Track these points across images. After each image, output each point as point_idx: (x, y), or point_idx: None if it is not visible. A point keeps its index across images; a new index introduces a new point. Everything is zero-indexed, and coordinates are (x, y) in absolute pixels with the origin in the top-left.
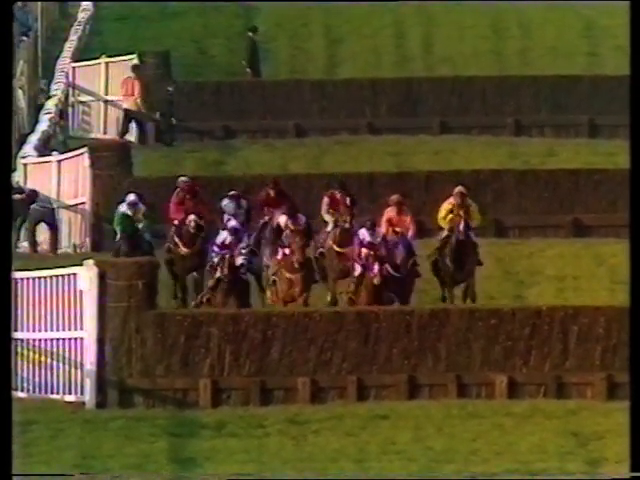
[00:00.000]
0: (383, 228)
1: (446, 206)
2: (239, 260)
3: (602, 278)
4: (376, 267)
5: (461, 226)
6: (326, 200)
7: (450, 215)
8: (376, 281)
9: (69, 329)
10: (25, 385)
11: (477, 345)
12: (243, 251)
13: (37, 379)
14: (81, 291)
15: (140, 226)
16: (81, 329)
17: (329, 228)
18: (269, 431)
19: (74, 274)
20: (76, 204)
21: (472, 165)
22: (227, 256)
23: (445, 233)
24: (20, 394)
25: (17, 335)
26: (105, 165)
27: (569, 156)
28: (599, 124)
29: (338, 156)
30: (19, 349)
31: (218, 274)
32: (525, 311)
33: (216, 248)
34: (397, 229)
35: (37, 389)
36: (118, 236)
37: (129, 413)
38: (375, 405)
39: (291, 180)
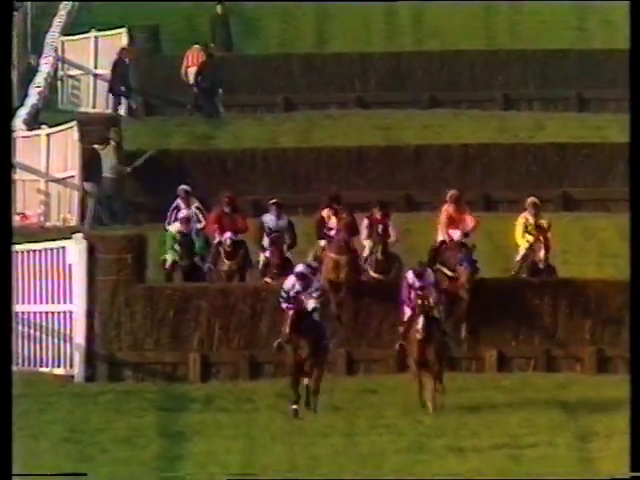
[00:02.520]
0: (443, 226)
1: (520, 221)
2: (311, 303)
3: (591, 252)
4: (421, 321)
5: (541, 254)
6: (365, 222)
7: (527, 236)
8: (419, 336)
9: (58, 302)
10: (14, 358)
11: (468, 317)
12: (314, 295)
13: (26, 352)
14: (70, 264)
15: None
16: (70, 302)
17: (365, 253)
18: (258, 405)
19: (63, 247)
20: (65, 177)
21: (461, 139)
22: (291, 313)
23: (522, 254)
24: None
25: None
26: (94, 139)
27: (558, 130)
28: (587, 98)
29: (327, 130)
30: None
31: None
32: (514, 285)
33: (284, 294)
34: (461, 240)
35: (26, 362)
36: (169, 262)
37: (118, 387)
38: (364, 379)
39: (280, 154)
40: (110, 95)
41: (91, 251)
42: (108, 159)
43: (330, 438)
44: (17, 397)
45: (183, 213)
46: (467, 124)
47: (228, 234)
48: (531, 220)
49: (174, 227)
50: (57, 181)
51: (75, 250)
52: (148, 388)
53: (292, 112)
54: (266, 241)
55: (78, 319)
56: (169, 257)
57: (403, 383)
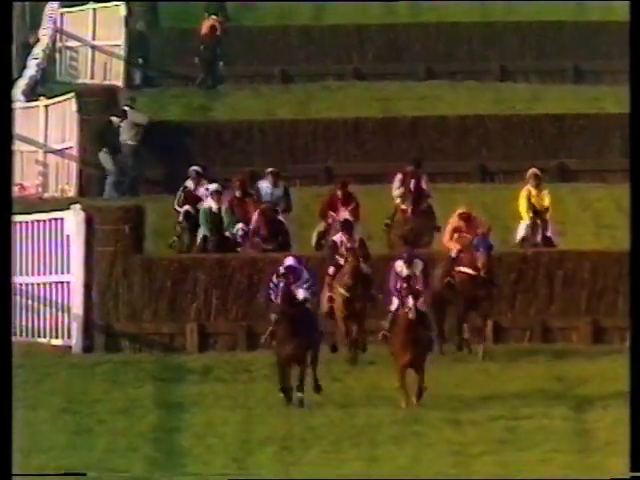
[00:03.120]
0: (447, 237)
1: (523, 194)
2: (301, 294)
3: (587, 223)
4: (410, 300)
5: (538, 237)
6: (399, 176)
7: (529, 211)
8: (411, 316)
9: (56, 273)
10: (12, 329)
11: None
12: (305, 286)
13: (24, 323)
14: (68, 235)
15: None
16: (68, 273)
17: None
18: (255, 376)
19: (61, 218)
20: (63, 149)
21: (457, 111)
22: (282, 285)
23: (524, 227)
24: None
25: None
26: (92, 110)
27: (554, 101)
28: (584, 70)
29: (324, 102)
30: None
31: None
32: (511, 256)
33: (272, 285)
34: (479, 231)
35: (24, 333)
36: (201, 234)
37: (116, 357)
38: (361, 351)
39: (277, 125)
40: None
41: (89, 222)
42: (128, 126)
43: (326, 409)
44: (15, 368)
45: (200, 191)
46: (463, 96)
47: (240, 225)
48: (534, 192)
49: (207, 203)
50: (55, 152)
51: (73, 221)
52: (146, 359)
53: (289, 84)
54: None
55: (76, 290)
56: (201, 232)
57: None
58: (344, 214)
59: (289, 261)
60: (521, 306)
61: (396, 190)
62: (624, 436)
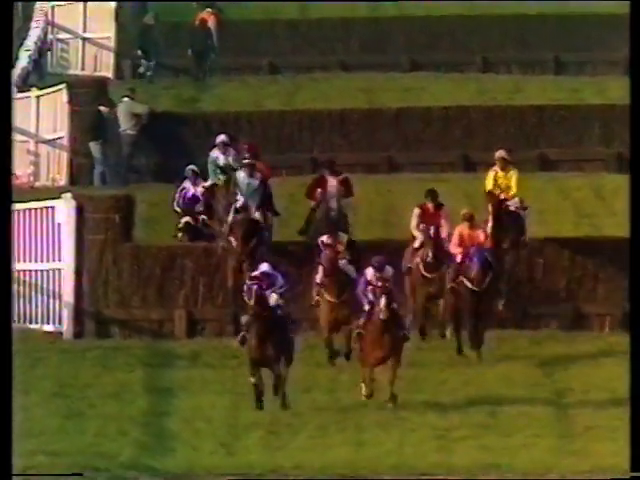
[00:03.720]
0: (455, 244)
1: (491, 174)
2: (273, 299)
3: (567, 211)
4: (383, 301)
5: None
6: (417, 212)
7: (495, 189)
8: (382, 316)
9: (47, 261)
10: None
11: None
12: (279, 291)
13: (16, 309)
14: (59, 223)
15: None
16: (59, 261)
17: (416, 244)
18: (242, 362)
19: (52, 207)
20: (54, 139)
21: (441, 102)
22: (255, 287)
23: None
24: None
25: None
26: (83, 101)
27: (535, 92)
28: (564, 61)
29: (311, 93)
30: None
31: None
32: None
33: (248, 281)
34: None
35: (16, 319)
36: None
37: (106, 343)
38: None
39: (264, 116)
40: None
41: (80, 211)
42: (127, 116)
43: (312, 393)
44: None
45: (190, 193)
46: (447, 87)
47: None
48: (500, 173)
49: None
50: (46, 142)
51: (64, 209)
52: (135, 344)
53: (276, 75)
54: (240, 200)
55: (67, 277)
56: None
57: None
58: (334, 186)
59: (264, 267)
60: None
61: (414, 229)
62: (604, 421)
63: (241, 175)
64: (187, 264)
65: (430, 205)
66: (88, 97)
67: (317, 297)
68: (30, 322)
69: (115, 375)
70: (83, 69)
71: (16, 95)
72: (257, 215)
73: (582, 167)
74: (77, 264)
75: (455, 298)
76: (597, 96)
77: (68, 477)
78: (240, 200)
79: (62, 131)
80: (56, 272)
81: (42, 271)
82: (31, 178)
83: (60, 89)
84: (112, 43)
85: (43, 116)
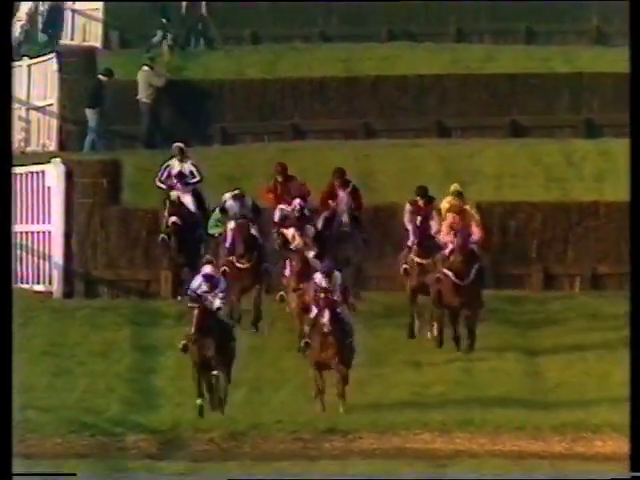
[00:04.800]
0: (445, 232)
1: (445, 205)
2: (217, 303)
3: (538, 176)
4: (327, 314)
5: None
6: (408, 207)
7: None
8: (326, 329)
9: (38, 223)
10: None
11: None
12: (220, 295)
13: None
14: (49, 187)
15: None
16: (49, 223)
17: (410, 241)
18: None
19: (42, 171)
20: (45, 105)
21: (416, 70)
22: (196, 312)
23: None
24: None
25: None
26: (72, 69)
27: (507, 61)
28: (535, 31)
29: (291, 62)
30: None
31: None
32: None
33: (191, 293)
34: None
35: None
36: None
37: (94, 303)
38: None
39: (247, 84)
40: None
41: (69, 175)
42: (144, 85)
43: (295, 352)
44: None
45: (176, 169)
46: (422, 56)
47: (297, 201)
48: (455, 202)
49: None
50: (37, 109)
51: (54, 174)
52: (122, 304)
53: (258, 45)
54: (231, 224)
55: (56, 239)
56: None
57: (366, 298)
58: (344, 198)
59: (206, 269)
60: None
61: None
62: (574, 378)
63: (229, 204)
64: None
65: (421, 201)
66: (77, 66)
67: (282, 292)
68: (21, 282)
69: (103, 334)
70: (72, 39)
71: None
72: (254, 231)
73: (552, 133)
74: (66, 226)
75: (439, 289)
76: (566, 65)
77: (68, 477)
78: (232, 224)
79: (52, 98)
80: (46, 234)
81: (33, 233)
82: (22, 144)
83: (50, 58)
84: (100, 14)
85: (34, 84)
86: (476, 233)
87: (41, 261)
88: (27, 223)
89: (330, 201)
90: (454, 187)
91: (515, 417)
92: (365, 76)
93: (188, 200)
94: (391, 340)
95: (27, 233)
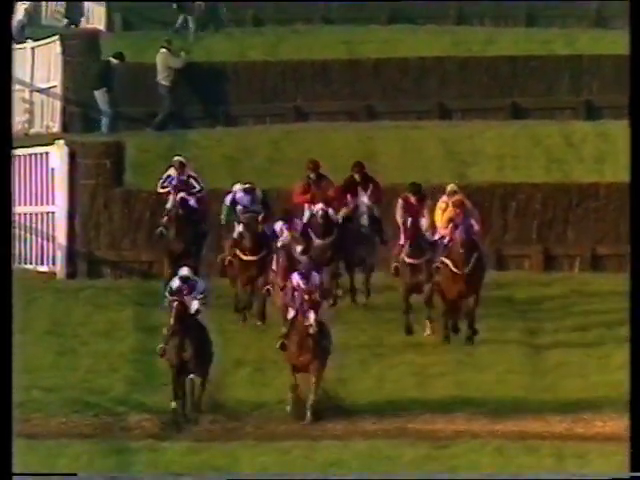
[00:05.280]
0: (442, 227)
1: (441, 205)
2: (194, 305)
3: (538, 157)
4: (312, 315)
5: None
6: (400, 203)
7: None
8: (312, 330)
9: (41, 204)
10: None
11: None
12: (198, 297)
13: (12, 251)
14: (53, 169)
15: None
16: (53, 204)
17: (401, 241)
18: (229, 302)
19: (46, 153)
20: (48, 87)
21: (417, 52)
22: (175, 304)
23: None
24: None
25: None
26: (75, 52)
27: (508, 44)
28: (536, 14)
29: (294, 44)
30: None
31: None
32: (467, 188)
33: (167, 294)
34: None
35: (12, 260)
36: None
37: (98, 283)
38: None
39: (249, 66)
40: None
41: (72, 156)
42: (162, 67)
43: None
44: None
45: (176, 180)
46: (423, 39)
47: (320, 205)
48: (453, 199)
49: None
50: (41, 91)
51: (57, 155)
52: (126, 284)
53: (260, 27)
54: (240, 217)
55: (60, 220)
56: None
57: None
58: (364, 201)
59: (184, 271)
60: None
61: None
62: (575, 358)
63: (239, 195)
64: None
65: (413, 198)
66: (80, 48)
67: (269, 285)
68: (25, 263)
69: (106, 314)
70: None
71: (13, 47)
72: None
73: (553, 115)
74: (70, 208)
75: (438, 281)
76: (566, 47)
77: (69, 477)
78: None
79: (55, 80)
80: (50, 215)
81: (37, 214)
82: (26, 125)
83: (54, 41)
84: None
85: (38, 66)
86: (476, 226)
87: (45, 242)
88: (31, 204)
89: (349, 196)
90: (451, 187)
91: (516, 397)
92: (367, 58)
93: (191, 201)
94: (392, 322)
95: (31, 214)
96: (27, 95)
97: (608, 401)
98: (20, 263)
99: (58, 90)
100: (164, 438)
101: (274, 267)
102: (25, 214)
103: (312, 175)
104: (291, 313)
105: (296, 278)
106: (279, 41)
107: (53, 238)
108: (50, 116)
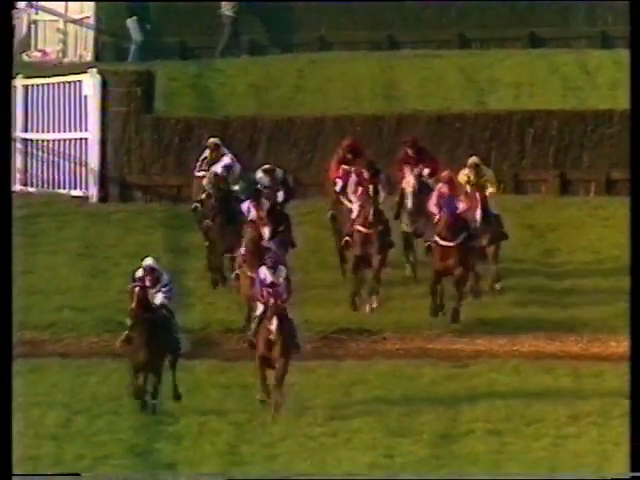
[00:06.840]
0: (433, 203)
1: (462, 178)
2: (159, 298)
3: (555, 85)
4: (275, 322)
5: (477, 214)
6: (354, 179)
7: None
8: (272, 337)
9: (75, 130)
10: (35, 181)
11: (443, 148)
12: (164, 289)
13: (45, 176)
14: (85, 96)
15: (236, 188)
16: (85, 131)
17: (354, 212)
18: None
19: (79, 81)
20: (82, 18)
21: None
22: (137, 289)
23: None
24: (30, 189)
25: (27, 136)
26: None
27: None
28: None
29: None
30: (29, 149)
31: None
32: (486, 115)
33: (131, 280)
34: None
35: (45, 185)
36: (211, 200)
37: (129, 207)
38: None
39: None
40: None
41: (104, 84)
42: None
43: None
44: (37, 216)
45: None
46: None
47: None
48: (473, 178)
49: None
50: (74, 22)
51: (90, 83)
52: (156, 208)
53: None
54: (257, 195)
55: (92, 146)
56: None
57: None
58: (411, 179)
59: (148, 261)
60: (495, 161)
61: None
62: (589, 280)
63: (259, 175)
64: (203, 134)
65: (366, 173)
66: None
67: (237, 271)
68: (58, 187)
69: (137, 236)
70: None
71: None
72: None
73: (569, 44)
74: (102, 134)
75: (431, 258)
76: None
77: (67, 477)
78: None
79: (88, 12)
80: (83, 141)
81: (70, 140)
82: (60, 55)
83: None
84: None
85: None
86: (461, 207)
87: (78, 167)
88: (64, 131)
89: (360, 187)
90: (472, 160)
91: (533, 317)
92: None
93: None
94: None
95: (64, 140)
96: (61, 25)
97: (623, 321)
98: (54, 188)
99: (91, 20)
100: (193, 357)
101: (242, 251)
102: (59, 140)
103: (348, 155)
104: (259, 309)
105: (263, 271)
106: None
107: (86, 163)
108: (83, 45)
